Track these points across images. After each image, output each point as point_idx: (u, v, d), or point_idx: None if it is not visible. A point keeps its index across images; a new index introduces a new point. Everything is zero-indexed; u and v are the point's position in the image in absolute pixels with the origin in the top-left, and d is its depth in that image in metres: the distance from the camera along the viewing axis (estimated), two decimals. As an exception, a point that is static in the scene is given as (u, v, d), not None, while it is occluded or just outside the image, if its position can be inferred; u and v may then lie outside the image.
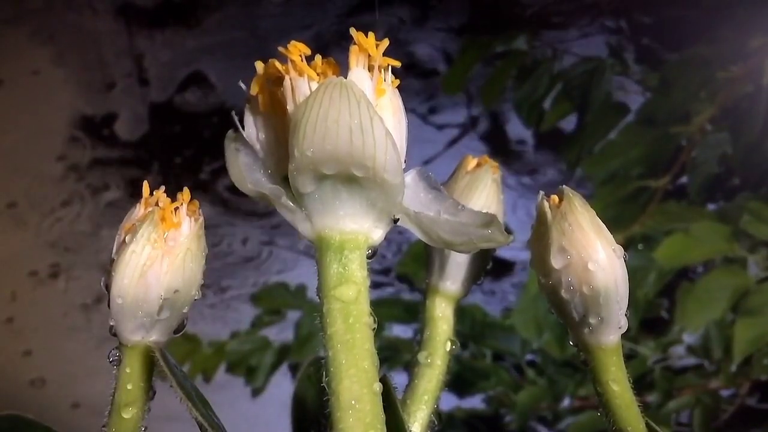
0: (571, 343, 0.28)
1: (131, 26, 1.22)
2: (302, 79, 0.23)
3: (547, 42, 1.08)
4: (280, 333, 1.09)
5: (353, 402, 0.23)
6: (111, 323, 0.27)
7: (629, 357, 0.93)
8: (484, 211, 0.25)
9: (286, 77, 0.24)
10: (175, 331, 0.28)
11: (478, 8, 1.15)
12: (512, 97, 1.07)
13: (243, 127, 0.25)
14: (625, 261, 0.26)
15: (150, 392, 0.28)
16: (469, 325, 0.99)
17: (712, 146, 0.95)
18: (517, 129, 1.10)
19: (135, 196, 0.27)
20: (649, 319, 0.96)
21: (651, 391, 0.93)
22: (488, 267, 0.34)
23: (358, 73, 0.23)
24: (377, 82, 0.24)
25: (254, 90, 0.24)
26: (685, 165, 0.97)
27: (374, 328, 0.24)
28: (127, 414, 0.27)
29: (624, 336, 0.27)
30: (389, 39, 0.24)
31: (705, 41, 0.98)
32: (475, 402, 1.00)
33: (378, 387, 0.23)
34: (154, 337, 0.27)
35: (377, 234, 0.24)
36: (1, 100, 1.22)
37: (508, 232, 0.24)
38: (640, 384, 0.92)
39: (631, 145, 0.99)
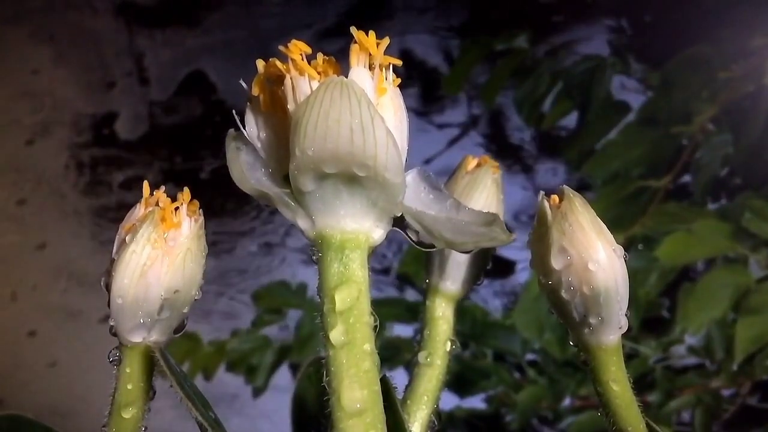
0: (571, 343, 0.28)
1: (131, 25, 1.22)
2: (303, 78, 0.23)
3: (547, 41, 1.08)
4: (281, 332, 1.09)
5: (354, 402, 0.23)
6: (111, 323, 0.27)
7: (630, 356, 0.93)
8: (484, 211, 0.25)
9: (287, 76, 0.24)
10: (175, 331, 0.28)
11: (478, 7, 1.14)
12: (513, 96, 1.06)
13: (244, 126, 0.25)
14: (625, 261, 0.26)
15: (150, 392, 0.28)
16: (470, 324, 0.99)
17: (716, 147, 0.95)
18: (517, 128, 1.10)
19: (135, 195, 0.27)
20: (651, 319, 0.96)
21: (652, 391, 0.92)
22: (488, 267, 0.33)
23: (358, 72, 0.23)
24: (378, 81, 0.24)
25: (255, 89, 0.24)
26: (686, 165, 0.97)
27: (375, 327, 0.24)
28: (127, 414, 0.27)
29: (625, 335, 0.27)
30: (389, 38, 0.24)
31: (706, 40, 0.98)
32: (476, 401, 1.00)
33: (378, 387, 0.23)
34: (154, 337, 0.27)
35: (378, 233, 0.24)
36: (2, 99, 1.22)
37: (509, 231, 0.24)
38: (642, 383, 0.92)
39: (632, 144, 0.99)
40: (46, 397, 1.13)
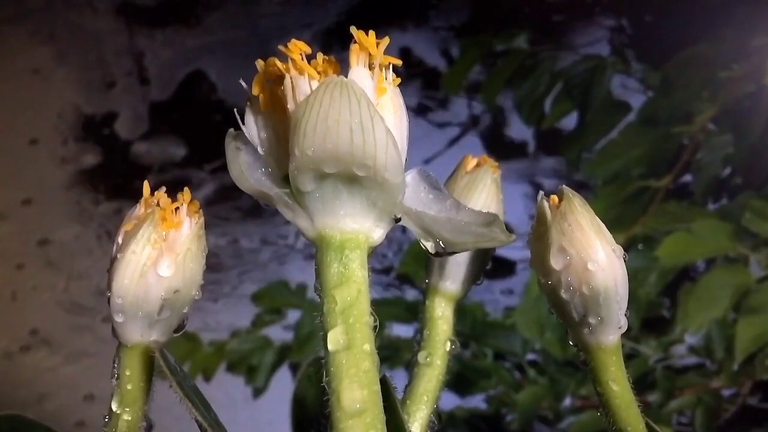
0: (571, 343, 0.28)
1: (131, 25, 1.22)
2: (303, 77, 0.23)
3: (548, 40, 1.08)
4: (281, 332, 1.09)
5: (353, 402, 0.23)
6: (111, 323, 0.27)
7: (630, 356, 0.93)
8: (484, 211, 0.25)
9: (287, 76, 0.24)
10: (175, 331, 0.28)
11: (478, 7, 1.14)
12: (513, 96, 1.06)
13: (244, 126, 0.25)
14: (625, 261, 0.26)
15: (150, 392, 0.28)
16: (470, 324, 0.99)
17: (717, 148, 0.95)
18: (518, 128, 1.10)
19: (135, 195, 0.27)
20: (651, 319, 0.96)
21: (652, 391, 0.92)
22: (488, 267, 0.34)
23: (358, 71, 0.23)
24: (378, 81, 0.24)
25: (255, 89, 0.24)
26: (687, 165, 0.97)
27: (375, 327, 0.24)
28: (127, 414, 0.27)
29: (625, 335, 0.27)
30: (389, 37, 0.24)
31: (706, 40, 0.98)
32: (476, 401, 1.00)
33: (378, 387, 0.23)
34: (154, 337, 0.27)
35: (378, 233, 0.24)
36: (2, 98, 1.22)
37: (510, 231, 0.24)
38: (642, 383, 0.92)
39: (633, 144, 0.99)
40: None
